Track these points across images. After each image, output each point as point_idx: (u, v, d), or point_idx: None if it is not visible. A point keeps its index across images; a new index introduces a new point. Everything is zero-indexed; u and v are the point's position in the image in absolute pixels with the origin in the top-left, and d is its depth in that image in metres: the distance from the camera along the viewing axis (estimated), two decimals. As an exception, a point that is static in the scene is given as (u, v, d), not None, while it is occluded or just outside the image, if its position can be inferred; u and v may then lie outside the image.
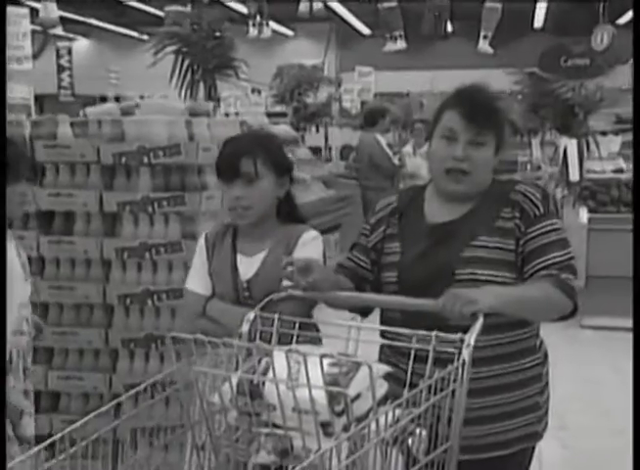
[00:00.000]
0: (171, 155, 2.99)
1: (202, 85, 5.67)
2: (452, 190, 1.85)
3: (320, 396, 1.35)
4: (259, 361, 1.45)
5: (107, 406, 1.47)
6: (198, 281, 2.16)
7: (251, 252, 2.11)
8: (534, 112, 11.03)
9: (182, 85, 5.64)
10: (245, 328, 1.66)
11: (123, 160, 3.02)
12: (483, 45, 8.82)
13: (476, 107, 1.83)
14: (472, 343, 1.47)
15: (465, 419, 1.48)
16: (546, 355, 1.97)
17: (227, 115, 7.70)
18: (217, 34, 5.66)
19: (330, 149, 9.78)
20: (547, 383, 1.97)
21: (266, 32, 8.84)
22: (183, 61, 5.54)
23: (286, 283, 1.82)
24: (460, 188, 1.84)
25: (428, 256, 1.85)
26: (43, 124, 3.10)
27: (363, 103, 12.93)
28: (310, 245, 2.09)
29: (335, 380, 1.38)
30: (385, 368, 1.49)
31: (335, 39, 17.90)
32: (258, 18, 8.73)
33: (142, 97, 17.99)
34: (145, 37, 20.20)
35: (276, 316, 1.66)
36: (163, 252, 3.02)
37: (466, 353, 1.46)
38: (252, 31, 8.73)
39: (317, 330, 1.99)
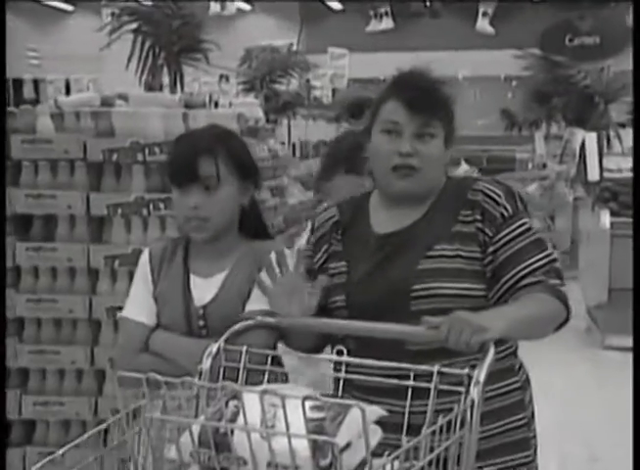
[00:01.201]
0: (169, 151, 3.24)
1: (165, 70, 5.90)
2: (401, 189, 1.89)
3: (302, 446, 1.32)
4: (226, 405, 1.42)
5: (89, 433, 1.48)
6: (139, 308, 2.13)
7: (208, 272, 2.11)
8: (539, 101, 11.51)
9: (142, 71, 5.84)
10: (206, 364, 1.64)
11: (114, 157, 3.27)
12: (483, 23, 9.18)
13: (420, 95, 1.88)
14: (482, 380, 1.48)
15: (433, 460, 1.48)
16: (528, 380, 2.00)
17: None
18: (184, 12, 5.92)
19: (302, 145, 10.08)
20: (533, 414, 1.99)
21: (230, 8, 9.12)
22: (144, 42, 5.77)
23: (252, 307, 1.95)
24: (410, 186, 1.89)
25: (378, 272, 1.89)
26: (19, 116, 3.34)
27: (334, 91, 13.19)
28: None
29: (319, 427, 1.36)
30: (378, 411, 1.45)
31: (300, 15, 18.24)
32: (221, -9, 9.00)
33: (68, 81, 18.10)
34: (70, 8, 20.33)
35: (244, 349, 1.66)
36: (159, 259, 3.28)
37: (475, 392, 1.46)
38: (214, 7, 8.99)
39: (281, 365, 2.01)
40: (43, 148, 3.31)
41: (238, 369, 1.67)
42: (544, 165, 12.43)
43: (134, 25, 5.77)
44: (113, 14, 7.25)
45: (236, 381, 1.62)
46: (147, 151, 3.27)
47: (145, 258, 2.18)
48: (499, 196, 1.88)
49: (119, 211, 3.29)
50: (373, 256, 1.91)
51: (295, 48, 11.93)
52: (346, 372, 1.74)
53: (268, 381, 1.66)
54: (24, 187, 3.34)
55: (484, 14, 9.09)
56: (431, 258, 1.85)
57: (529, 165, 13.55)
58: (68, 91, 18.89)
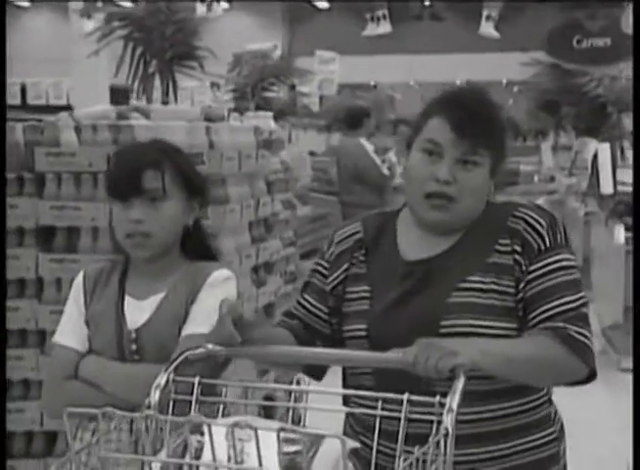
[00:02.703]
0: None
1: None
2: (433, 220, 1.90)
3: None
4: (184, 440, 1.46)
5: None
6: (70, 333, 2.22)
7: (144, 294, 2.19)
8: (547, 109, 12.02)
9: (134, 79, 6.27)
10: (154, 397, 1.67)
11: (138, 169, 3.75)
12: (487, 27, 9.65)
13: (471, 116, 1.86)
14: (455, 407, 1.50)
15: None
16: (562, 429, 2.02)
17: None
18: (177, 18, 6.37)
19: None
20: (565, 466, 2.02)
21: (216, 10, 9.58)
22: (135, 49, 6.20)
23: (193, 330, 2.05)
24: (443, 217, 1.89)
25: (405, 302, 1.89)
26: (43, 129, 3.82)
27: (322, 98, 13.54)
28: (221, 287, 2.16)
29: (292, 461, 1.40)
30: (351, 443, 1.51)
31: (282, 15, 18.68)
32: (206, -10, 9.43)
33: (24, 85, 18.41)
34: (26, 4, 20.73)
35: (196, 380, 1.71)
36: (183, 271, 3.75)
37: (448, 421, 1.49)
38: (200, 9, 9.46)
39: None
40: (67, 161, 3.78)
41: (188, 401, 1.69)
42: (552, 178, 12.91)
43: (125, 31, 6.22)
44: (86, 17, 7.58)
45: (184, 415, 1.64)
46: (171, 164, 3.75)
47: (79, 280, 2.28)
48: (542, 226, 1.87)
49: (143, 223, 3.77)
50: (400, 284, 1.91)
51: (278, 51, 12.40)
52: (350, 404, 1.85)
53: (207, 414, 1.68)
54: (48, 199, 3.80)
55: (488, 17, 9.57)
56: (463, 291, 1.86)
57: (535, 178, 13.99)
58: (23, 96, 19.30)
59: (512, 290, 1.86)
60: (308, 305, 2.03)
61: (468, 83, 2.31)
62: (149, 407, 1.65)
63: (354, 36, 16.22)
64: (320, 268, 2.05)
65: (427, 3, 9.69)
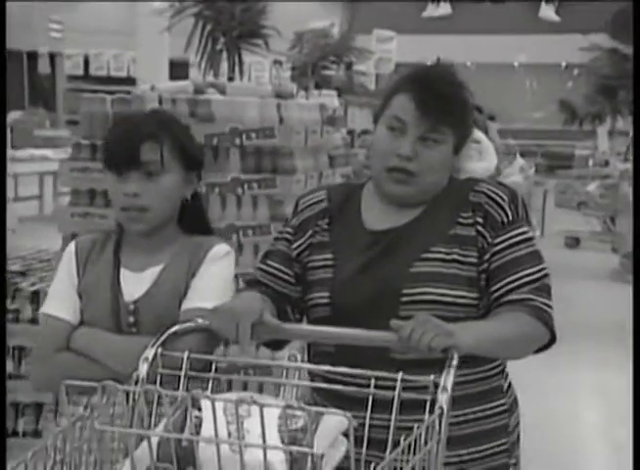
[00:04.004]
0: (265, 137, 4.15)
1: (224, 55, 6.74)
2: (395, 193, 1.97)
3: (277, 458, 1.37)
4: (184, 415, 1.45)
5: (33, 450, 1.45)
6: (60, 303, 2.19)
7: (141, 266, 2.18)
8: (605, 93, 12.24)
9: (202, 55, 6.68)
10: (142, 371, 1.66)
11: (214, 141, 4.18)
12: (547, 11, 9.83)
13: (435, 95, 1.91)
14: (449, 386, 1.55)
15: None
16: (515, 402, 2.07)
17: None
18: (246, -4, 6.76)
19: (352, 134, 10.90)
20: (518, 439, 2.07)
21: (280, -12, 9.95)
22: (204, 26, 6.62)
23: (190, 305, 2.06)
24: (404, 191, 1.96)
25: (367, 272, 1.94)
26: (130, 101, 4.25)
27: (378, 76, 13.76)
28: (221, 262, 2.18)
29: (293, 438, 1.41)
30: (346, 421, 1.47)
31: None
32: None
33: (87, 56, 18.96)
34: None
35: (185, 355, 1.70)
36: (251, 234, 4.18)
37: (443, 400, 1.53)
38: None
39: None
40: (150, 131, 4.21)
41: (177, 377, 1.70)
42: (606, 163, 13.12)
43: (196, 9, 6.63)
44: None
45: (175, 389, 1.65)
46: (244, 136, 4.17)
47: (70, 250, 2.25)
48: (503, 199, 1.95)
49: (216, 189, 4.20)
50: (363, 253, 1.98)
51: (336, 29, 12.69)
52: (327, 380, 1.87)
53: (205, 389, 1.71)
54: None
55: (548, 0, 9.78)
56: (425, 261, 1.92)
57: (590, 162, 14.20)
58: (86, 67, 19.92)
59: (475, 260, 1.92)
60: (276, 271, 2.07)
61: (436, 63, 2.49)
62: (137, 382, 1.65)
63: (412, 16, 16.50)
64: (285, 235, 2.10)
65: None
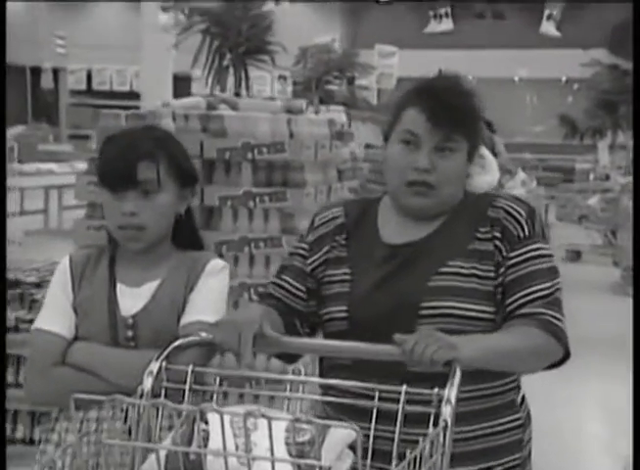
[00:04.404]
0: (276, 152, 4.28)
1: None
2: (415, 206, 1.99)
3: None
4: (192, 428, 1.47)
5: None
6: (55, 318, 2.20)
7: (137, 281, 2.21)
8: (605, 108, 12.37)
9: (210, 71, 6.79)
10: (147, 384, 1.68)
11: (227, 155, 4.31)
12: (548, 27, 9.94)
13: (444, 105, 1.94)
14: (453, 399, 1.56)
15: None
16: (529, 416, 2.08)
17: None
18: (252, 13, 6.90)
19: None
20: (529, 456, 2.07)
21: (284, 4, 10.11)
22: (212, 42, 6.74)
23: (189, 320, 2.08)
24: (425, 203, 1.98)
25: (385, 286, 1.96)
26: (145, 117, 4.39)
27: (379, 91, 13.86)
28: (218, 276, 2.21)
29: (301, 451, 1.44)
30: (353, 433, 1.48)
31: (340, 8, 19.06)
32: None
33: (89, 71, 19.07)
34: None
35: (190, 369, 1.73)
36: (263, 246, 4.30)
37: (447, 413, 1.54)
38: (269, 3, 10.00)
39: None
40: (164, 145, 4.33)
41: (181, 390, 1.72)
42: (607, 177, 13.23)
43: (204, 26, 6.75)
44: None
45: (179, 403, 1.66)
46: (256, 151, 4.30)
47: (64, 264, 2.26)
48: (521, 215, 1.98)
49: (229, 202, 4.32)
50: (380, 267, 1.99)
51: (337, 44, 12.82)
52: (342, 393, 1.88)
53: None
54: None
55: (549, 16, 9.92)
56: (443, 275, 1.94)
57: (590, 176, 14.32)
58: (89, 81, 20.10)
59: (492, 274, 1.94)
60: (288, 286, 2.09)
61: (440, 73, 2.54)
62: (142, 395, 1.66)
63: (414, 31, 16.63)
64: (300, 251, 2.12)
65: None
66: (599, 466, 5.05)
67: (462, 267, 1.94)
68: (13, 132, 14.39)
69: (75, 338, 2.19)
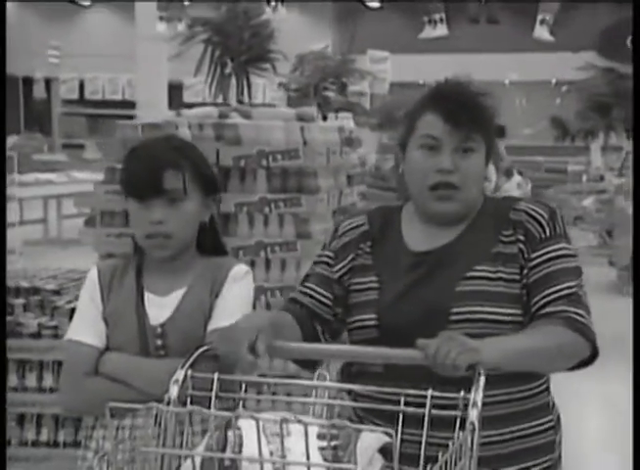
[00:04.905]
0: (290, 158, 4.41)
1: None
2: (441, 210, 2.02)
3: None
4: (224, 434, 1.49)
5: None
6: (86, 329, 2.25)
7: (165, 290, 2.25)
8: (597, 110, 12.49)
9: (212, 79, 6.90)
10: (173, 392, 1.70)
11: (242, 162, 4.44)
12: (541, 31, 10.08)
13: (460, 107, 1.99)
14: (479, 402, 1.56)
15: None
16: (559, 419, 2.11)
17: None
18: (253, 22, 7.02)
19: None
20: (560, 457, 2.09)
21: (281, 12, 10.26)
22: (214, 52, 6.86)
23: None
24: (450, 207, 2.01)
25: (413, 292, 1.99)
26: (163, 127, 4.52)
27: (372, 96, 13.95)
28: (243, 281, 2.27)
29: (335, 455, 1.45)
30: (383, 438, 1.52)
31: (332, 14, 19.17)
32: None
33: (82, 81, 19.12)
34: (86, 3, 21.60)
35: (215, 376, 1.74)
36: (278, 250, 4.43)
37: (474, 416, 1.54)
38: (267, 11, 10.14)
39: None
40: (180, 154, 4.46)
41: (208, 398, 1.73)
42: (601, 178, 13.38)
43: (205, 35, 6.86)
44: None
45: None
46: (270, 158, 4.44)
47: (93, 276, 2.31)
48: (542, 216, 2.02)
49: (245, 209, 4.46)
50: (407, 274, 2.02)
51: (329, 49, 12.96)
52: (374, 399, 1.88)
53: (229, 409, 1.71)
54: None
55: (543, 21, 10.07)
56: (471, 280, 1.97)
57: (583, 178, 14.46)
58: (81, 90, 20.17)
59: (517, 276, 1.97)
60: (314, 293, 2.11)
61: (452, 77, 2.61)
62: (168, 403, 1.67)
63: (407, 35, 16.74)
64: (325, 259, 2.15)
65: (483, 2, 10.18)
66: (599, 465, 5.13)
67: (488, 271, 1.97)
68: (7, 142, 14.46)
69: (107, 348, 2.24)
